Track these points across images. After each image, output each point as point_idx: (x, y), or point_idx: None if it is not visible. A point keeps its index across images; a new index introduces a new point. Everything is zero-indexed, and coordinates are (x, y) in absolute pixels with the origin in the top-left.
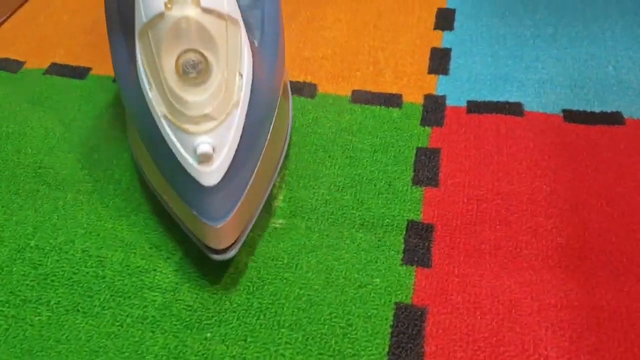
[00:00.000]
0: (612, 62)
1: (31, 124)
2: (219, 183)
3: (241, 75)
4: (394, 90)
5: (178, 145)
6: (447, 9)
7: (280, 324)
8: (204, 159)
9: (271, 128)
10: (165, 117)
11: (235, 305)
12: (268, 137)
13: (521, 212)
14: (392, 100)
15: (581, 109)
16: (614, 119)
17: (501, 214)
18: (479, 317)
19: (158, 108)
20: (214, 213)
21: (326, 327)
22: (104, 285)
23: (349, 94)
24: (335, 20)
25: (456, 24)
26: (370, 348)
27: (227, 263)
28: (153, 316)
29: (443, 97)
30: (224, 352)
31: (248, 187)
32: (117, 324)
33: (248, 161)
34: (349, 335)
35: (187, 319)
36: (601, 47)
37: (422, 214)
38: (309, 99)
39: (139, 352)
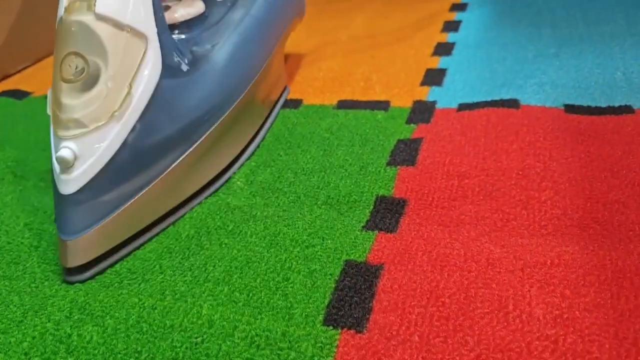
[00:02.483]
0: (621, 69)
1: (17, 129)
2: (74, 193)
3: (129, 88)
4: (382, 98)
5: (52, 150)
6: (447, 43)
7: (207, 279)
8: (62, 164)
9: (185, 155)
10: (50, 123)
11: (165, 267)
12: (176, 163)
13: (509, 187)
14: (379, 106)
15: (585, 104)
16: (622, 110)
17: (486, 189)
18: (445, 275)
19: (49, 111)
20: (64, 225)
21: (258, 281)
22: (34, 255)
23: (335, 103)
24: (332, 54)
25: (455, 52)
26: (305, 301)
27: (167, 233)
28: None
29: (433, 102)
30: (134, 303)
31: (124, 207)
32: (33, 285)
33: (128, 180)
34: (282, 288)
35: (108, 281)
36: (608, 59)
37: (394, 190)
38: (292, 109)
39: (42, 305)
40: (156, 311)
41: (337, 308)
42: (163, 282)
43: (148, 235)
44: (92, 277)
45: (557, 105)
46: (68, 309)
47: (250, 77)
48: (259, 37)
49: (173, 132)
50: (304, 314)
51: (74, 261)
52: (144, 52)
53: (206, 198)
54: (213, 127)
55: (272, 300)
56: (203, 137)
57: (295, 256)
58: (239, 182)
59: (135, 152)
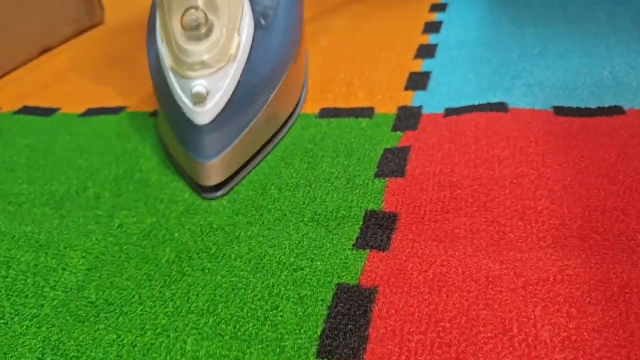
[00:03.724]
0: (608, 68)
1: None
2: (209, 123)
3: (239, 35)
4: (365, 104)
5: (179, 89)
6: (429, 45)
7: (190, 310)
8: (198, 99)
9: (273, 95)
10: (171, 68)
11: (145, 298)
12: (269, 100)
13: (503, 197)
14: (363, 113)
15: (575, 105)
16: (613, 111)
17: (479, 199)
18: (444, 296)
19: (166, 61)
20: (203, 150)
21: (245, 310)
22: (2, 286)
23: (317, 111)
24: (312, 59)
25: (438, 54)
26: (297, 331)
27: (145, 258)
28: (46, 314)
29: (419, 107)
30: (112, 340)
31: (242, 134)
32: (2, 321)
33: (244, 111)
34: (271, 318)
35: (83, 315)
36: (594, 57)
37: (384, 204)
38: None
39: (12, 345)
40: (136, 349)
41: (331, 338)
42: (143, 314)
43: (260, 157)
44: (226, 194)
45: (546, 108)
46: (40, 349)
47: (299, 35)
48: (299, 5)
49: (265, 73)
50: (295, 346)
51: (215, 179)
52: (243, 6)
53: (285, 133)
54: (286, 72)
55: (261, 332)
56: (282, 80)
57: (284, 281)
58: (222, 200)
59: (246, 88)
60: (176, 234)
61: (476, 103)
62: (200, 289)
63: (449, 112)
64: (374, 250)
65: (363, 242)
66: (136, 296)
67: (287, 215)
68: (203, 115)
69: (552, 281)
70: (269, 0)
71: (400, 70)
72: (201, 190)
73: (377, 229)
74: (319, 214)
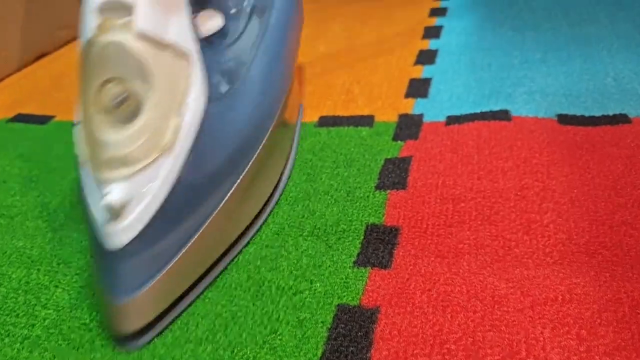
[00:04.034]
0: (612, 74)
1: None
2: (127, 246)
3: (179, 116)
4: (365, 112)
5: (92, 196)
6: (429, 50)
7: (189, 339)
8: (111, 212)
9: (238, 182)
10: (85, 163)
11: None
12: (231, 192)
13: (508, 210)
14: (363, 121)
15: (579, 114)
16: (618, 119)
17: (483, 212)
18: (448, 317)
19: (80, 150)
20: (116, 285)
21: (244, 336)
22: None
23: (316, 119)
24: (310, 65)
25: (438, 60)
26: (296, 354)
27: None
28: (37, 335)
29: (420, 115)
30: None
31: (181, 252)
32: None
33: (184, 220)
34: (270, 342)
35: (77, 339)
36: (597, 63)
37: (385, 217)
38: None
39: None
40: None
41: None
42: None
43: (204, 284)
44: (149, 342)
45: (549, 116)
46: None
47: (283, 92)
48: (284, 48)
49: (223, 161)
50: None
51: (133, 325)
52: (189, 74)
53: (255, 233)
54: (257, 152)
55: (259, 355)
56: (249, 164)
57: (283, 306)
58: None
59: (189, 188)
60: None
61: (478, 111)
62: (200, 319)
63: (451, 120)
64: (376, 268)
65: (364, 258)
66: None
67: (286, 229)
68: (116, 235)
69: (561, 301)
70: (243, 50)
71: (400, 77)
72: (115, 339)
73: (378, 244)
74: (319, 228)
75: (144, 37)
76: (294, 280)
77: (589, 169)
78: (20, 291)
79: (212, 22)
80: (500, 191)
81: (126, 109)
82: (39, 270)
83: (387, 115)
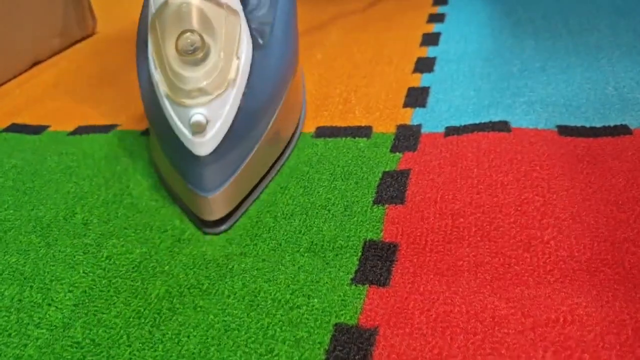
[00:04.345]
0: (612, 84)
1: None
2: (211, 154)
3: (238, 58)
4: (363, 123)
5: (176, 119)
6: (428, 58)
7: (180, 354)
8: (197, 129)
9: (274, 118)
10: (166, 95)
11: (133, 339)
12: (270, 124)
13: (508, 226)
14: (360, 132)
15: (579, 124)
16: (619, 131)
17: (483, 228)
18: (448, 339)
19: (161, 87)
20: (205, 183)
21: (238, 354)
22: None
23: (313, 130)
24: (307, 74)
25: (437, 68)
26: None
27: (135, 293)
28: (30, 355)
29: (418, 126)
30: None
31: (244, 163)
32: None
33: (245, 139)
34: None
35: (69, 357)
36: (597, 72)
37: (383, 233)
38: None
39: None
40: None
41: None
42: (131, 358)
43: (263, 184)
44: (229, 229)
45: (549, 127)
46: None
47: (297, 50)
48: (293, 13)
49: (266, 96)
50: None
51: (219, 213)
52: (240, 27)
53: (285, 160)
54: (284, 95)
55: None
56: (282, 101)
57: (279, 321)
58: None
59: (247, 114)
60: (167, 267)
61: (477, 122)
62: (192, 330)
63: (450, 131)
64: (374, 286)
65: (362, 276)
66: (124, 336)
67: (283, 245)
68: (203, 145)
69: (563, 322)
70: (264, 15)
71: (398, 86)
72: (203, 224)
73: (376, 261)
74: (316, 244)
75: None
76: (290, 294)
77: (590, 183)
78: (12, 309)
79: None
80: (500, 206)
81: (199, 53)
82: (31, 287)
83: (385, 126)
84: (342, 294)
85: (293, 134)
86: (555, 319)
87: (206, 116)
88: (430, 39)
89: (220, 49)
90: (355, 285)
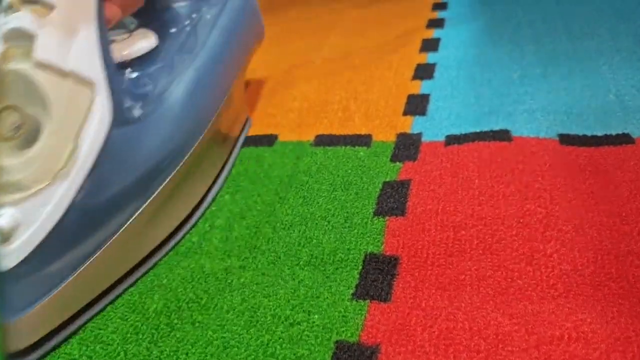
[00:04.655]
0: (613, 91)
1: None
2: (15, 267)
3: (75, 141)
4: (362, 131)
5: None
6: (427, 64)
7: None
8: (0, 235)
9: (140, 211)
10: None
11: (131, 355)
12: (130, 220)
13: (510, 238)
14: (360, 140)
15: (581, 133)
16: (621, 140)
17: (485, 241)
18: (451, 357)
19: None
20: (4, 304)
21: None
22: None
23: (312, 138)
24: (306, 80)
25: (436, 74)
26: None
27: (132, 307)
28: None
29: (418, 134)
30: None
31: (71, 277)
32: None
33: (78, 245)
34: None
35: None
36: (598, 79)
37: (384, 246)
38: (266, 147)
39: None
40: None
41: None
42: None
43: (102, 303)
44: None
45: (551, 136)
46: None
47: (210, 115)
48: (218, 70)
49: (126, 187)
50: None
51: (20, 343)
52: (91, 101)
53: (166, 254)
54: (170, 177)
55: None
56: (160, 188)
57: (279, 338)
58: (215, 238)
59: (84, 213)
60: (165, 280)
61: (478, 130)
62: (190, 347)
63: (450, 140)
64: (375, 301)
65: (363, 291)
66: (121, 353)
67: (282, 258)
68: (6, 256)
69: (567, 340)
70: (170, 71)
71: (398, 93)
72: (6, 356)
73: (377, 275)
74: (316, 257)
75: (43, 65)
76: (291, 310)
77: (593, 194)
78: None
79: (143, 42)
80: (502, 218)
81: (23, 136)
82: None
83: (385, 135)
84: (342, 310)
85: (199, 205)
86: (559, 336)
87: (15, 219)
88: (430, 45)
89: (53, 131)
90: (356, 300)
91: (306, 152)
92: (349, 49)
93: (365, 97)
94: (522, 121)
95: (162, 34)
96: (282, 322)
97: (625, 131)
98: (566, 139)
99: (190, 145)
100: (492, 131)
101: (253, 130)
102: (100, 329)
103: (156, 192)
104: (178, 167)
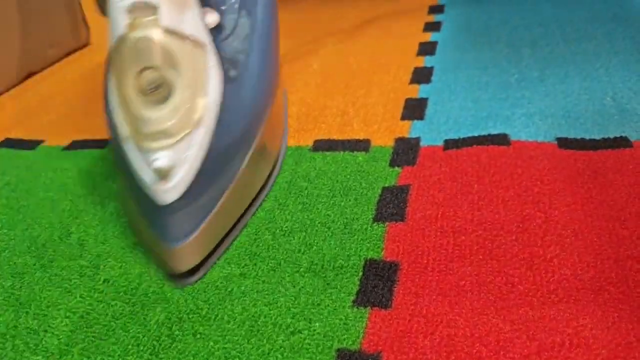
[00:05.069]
0: (610, 94)
1: None
2: (176, 201)
3: (205, 95)
4: (361, 136)
5: (138, 164)
6: (425, 67)
7: None
8: (160, 175)
9: (249, 155)
10: (127, 138)
11: None
12: (247, 160)
13: (510, 243)
14: (359, 145)
15: (579, 137)
16: (619, 143)
17: (485, 246)
18: None
19: (121, 130)
20: (170, 233)
21: None
22: None
23: (310, 143)
24: (304, 84)
25: (434, 78)
26: None
27: (134, 318)
28: None
29: (417, 139)
30: None
31: (217, 207)
32: None
33: (217, 180)
34: None
35: None
36: (595, 82)
37: (384, 252)
38: None
39: None
40: None
41: None
42: None
43: (241, 224)
44: (201, 278)
45: (549, 139)
46: None
47: (277, 76)
48: (272, 39)
49: (240, 131)
50: None
51: (185, 265)
52: (206, 61)
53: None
54: (262, 125)
55: None
56: (259, 133)
57: (280, 347)
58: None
59: (218, 153)
60: (166, 291)
61: (476, 134)
62: (192, 358)
63: (449, 144)
64: (376, 308)
65: (364, 297)
66: None
67: (282, 265)
68: (168, 193)
69: (569, 346)
70: (239, 44)
71: (395, 97)
72: (171, 277)
73: (377, 281)
74: (316, 264)
75: (169, 31)
76: (291, 318)
77: (592, 199)
78: (8, 336)
79: (210, 17)
80: (502, 223)
81: (162, 91)
82: (27, 313)
83: (383, 139)
84: (343, 317)
85: (275, 163)
86: (560, 343)
87: (170, 160)
88: (427, 48)
89: (186, 86)
90: (357, 307)
91: (305, 158)
92: (347, 53)
93: (364, 101)
94: (520, 125)
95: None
96: (283, 331)
97: (623, 134)
98: (564, 143)
99: (268, 105)
100: (490, 135)
101: None
102: (101, 340)
103: (257, 137)
104: (263, 124)
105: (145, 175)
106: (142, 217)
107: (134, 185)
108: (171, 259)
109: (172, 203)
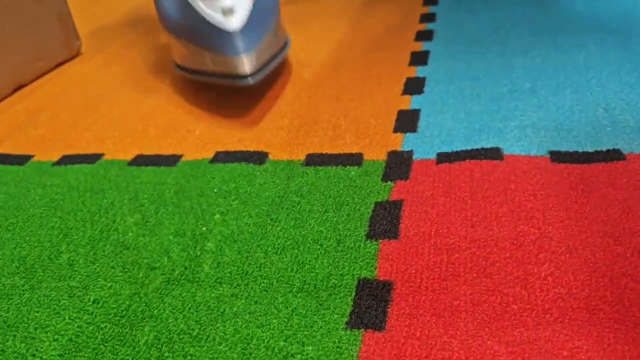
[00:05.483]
0: (603, 105)
1: None
2: (241, 28)
3: None
4: (353, 150)
5: (208, 10)
6: (417, 78)
7: None
8: (228, 12)
9: (273, 22)
10: None
11: None
12: (272, 27)
13: (504, 261)
14: (351, 160)
15: (572, 149)
16: (612, 156)
17: (479, 264)
18: None
19: None
20: (239, 47)
21: None
22: None
23: (303, 157)
24: (295, 96)
25: (426, 89)
26: None
27: (123, 340)
28: None
29: (410, 152)
30: None
31: (262, 38)
32: None
33: (260, 25)
34: None
35: None
36: (587, 93)
37: (377, 271)
38: (257, 165)
39: None
40: None
41: None
42: None
43: (274, 62)
44: (260, 80)
45: (542, 153)
46: None
47: None
48: None
49: (271, 3)
50: None
51: (250, 68)
52: None
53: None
54: (277, 15)
55: None
56: (276, 17)
57: None
58: (207, 264)
59: (259, 7)
60: (156, 310)
61: (469, 148)
62: None
63: (442, 158)
64: (369, 330)
65: (357, 319)
66: None
67: (275, 284)
68: (234, 22)
69: None
70: None
71: (388, 108)
72: (238, 79)
73: (371, 302)
74: (309, 283)
75: None
76: (284, 341)
77: (586, 214)
78: None
79: None
80: (496, 240)
81: None
82: (15, 336)
83: (376, 153)
84: (337, 340)
85: (284, 45)
86: None
87: (233, 2)
88: (419, 58)
89: None
90: (351, 329)
91: (297, 172)
92: (338, 64)
93: (355, 114)
94: (512, 138)
95: None
96: (276, 354)
97: (616, 147)
98: (557, 156)
99: (279, 6)
100: (483, 149)
101: (244, 145)
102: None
103: (274, 19)
104: (278, 13)
105: (216, 16)
106: (213, 48)
107: (205, 29)
108: (241, 65)
109: (238, 29)
